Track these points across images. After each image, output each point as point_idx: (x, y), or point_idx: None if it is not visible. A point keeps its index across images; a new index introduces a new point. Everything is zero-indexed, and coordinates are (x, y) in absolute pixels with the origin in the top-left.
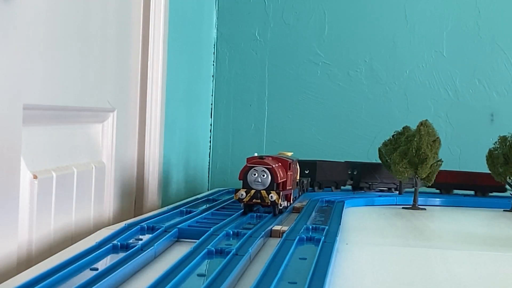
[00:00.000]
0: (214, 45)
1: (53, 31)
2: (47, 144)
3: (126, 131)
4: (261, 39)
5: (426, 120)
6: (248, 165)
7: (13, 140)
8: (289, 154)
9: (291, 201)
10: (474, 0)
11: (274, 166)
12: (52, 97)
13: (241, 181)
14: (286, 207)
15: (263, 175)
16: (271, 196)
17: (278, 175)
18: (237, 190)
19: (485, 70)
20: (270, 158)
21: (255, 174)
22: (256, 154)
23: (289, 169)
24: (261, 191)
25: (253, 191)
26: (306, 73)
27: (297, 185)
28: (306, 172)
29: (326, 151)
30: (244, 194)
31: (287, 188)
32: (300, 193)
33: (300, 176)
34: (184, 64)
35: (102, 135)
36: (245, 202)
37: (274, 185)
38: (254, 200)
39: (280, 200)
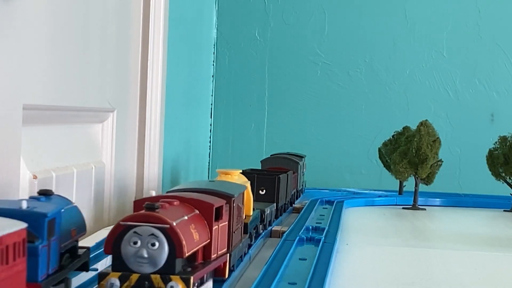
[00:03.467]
0: (214, 45)
1: (53, 31)
2: (47, 144)
3: (126, 131)
4: (261, 39)
5: (426, 120)
6: (121, 223)
7: (13, 140)
8: (234, 174)
9: (229, 270)
10: (474, 0)
11: (175, 223)
12: (52, 97)
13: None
14: None
15: (153, 244)
16: (172, 287)
17: (183, 242)
18: (103, 275)
19: (485, 70)
20: (176, 203)
21: (136, 243)
22: (153, 193)
23: (220, 218)
24: (151, 275)
25: (134, 277)
26: (306, 73)
27: (245, 228)
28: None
29: (326, 151)
30: (118, 283)
31: (213, 256)
32: (251, 242)
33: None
34: (184, 64)
35: (102, 135)
36: None
37: (177, 263)
38: None
39: None
